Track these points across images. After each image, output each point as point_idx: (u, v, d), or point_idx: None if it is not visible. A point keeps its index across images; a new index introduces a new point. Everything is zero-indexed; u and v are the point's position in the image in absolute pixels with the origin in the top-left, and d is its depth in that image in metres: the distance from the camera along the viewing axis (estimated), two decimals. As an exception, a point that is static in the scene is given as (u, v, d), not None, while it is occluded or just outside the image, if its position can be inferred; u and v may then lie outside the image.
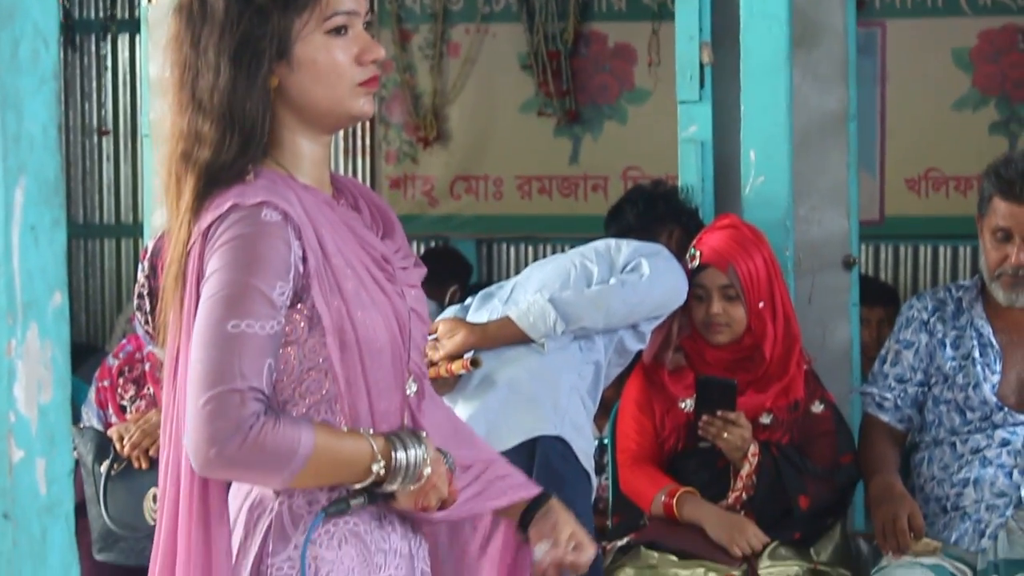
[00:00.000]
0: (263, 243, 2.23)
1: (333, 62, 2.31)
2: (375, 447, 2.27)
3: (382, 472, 2.27)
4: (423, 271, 2.49)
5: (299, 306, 2.27)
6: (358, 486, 2.30)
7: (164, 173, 2.36)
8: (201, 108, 2.29)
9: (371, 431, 2.30)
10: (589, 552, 2.50)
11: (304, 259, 2.25)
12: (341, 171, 9.16)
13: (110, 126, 8.82)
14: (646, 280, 3.80)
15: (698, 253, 4.00)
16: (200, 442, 2.17)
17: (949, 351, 4.05)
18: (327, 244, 2.29)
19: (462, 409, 3.80)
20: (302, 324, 2.28)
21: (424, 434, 2.34)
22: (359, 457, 2.27)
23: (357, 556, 2.35)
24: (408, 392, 2.40)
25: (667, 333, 4.03)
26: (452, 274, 7.25)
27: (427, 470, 2.30)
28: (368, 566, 2.36)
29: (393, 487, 2.29)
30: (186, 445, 2.22)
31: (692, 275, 4.00)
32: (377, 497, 2.32)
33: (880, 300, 5.93)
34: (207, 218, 2.27)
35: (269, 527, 2.34)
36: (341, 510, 2.31)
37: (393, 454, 2.28)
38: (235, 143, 2.28)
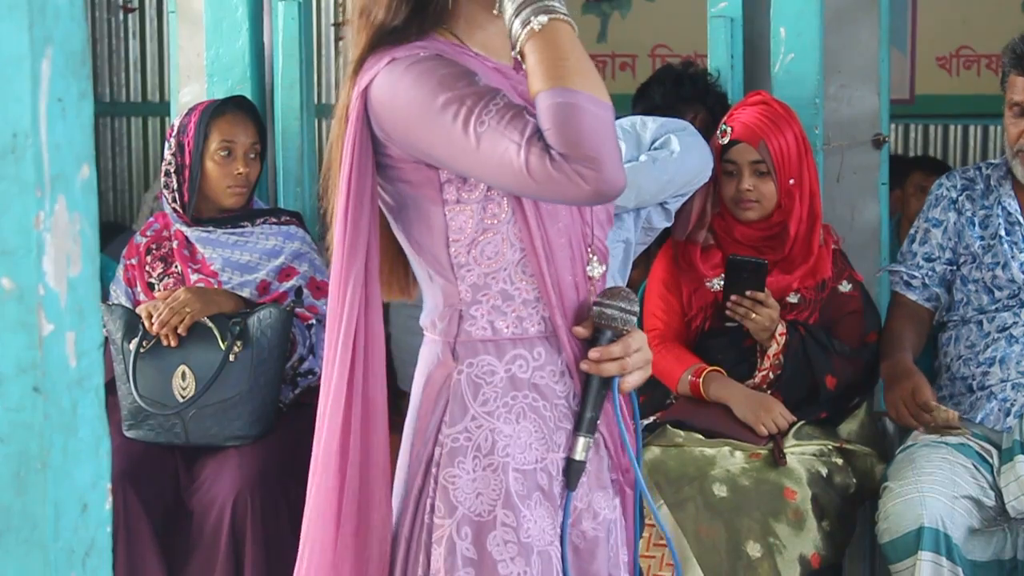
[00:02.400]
0: (440, 66, 2.23)
1: None
2: None
3: None
4: None
5: None
6: None
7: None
8: None
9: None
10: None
11: None
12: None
13: (135, 2, 8.77)
14: (676, 157, 3.76)
15: (729, 129, 3.97)
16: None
17: (977, 230, 4.03)
18: None
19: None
20: (474, 183, 2.28)
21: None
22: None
23: (535, 432, 2.35)
24: (591, 273, 2.38)
25: (701, 211, 4.01)
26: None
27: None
28: (547, 443, 2.36)
29: None
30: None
31: (723, 151, 3.97)
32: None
33: (937, 170, 5.89)
34: (365, 78, 2.28)
35: (448, 398, 2.35)
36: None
37: None
38: (405, 7, 2.29)
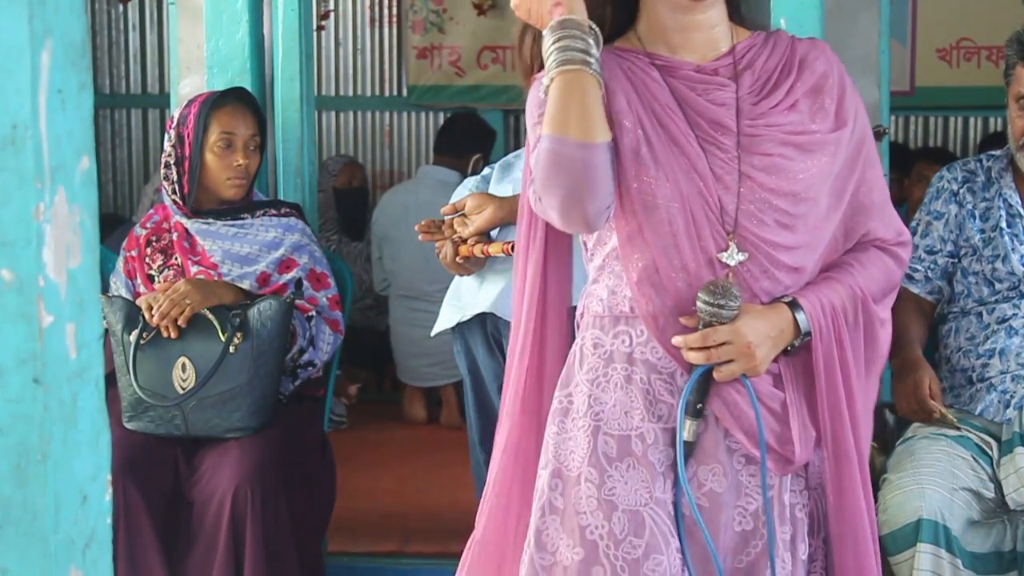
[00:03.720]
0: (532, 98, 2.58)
1: None
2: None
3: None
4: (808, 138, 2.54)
5: None
6: None
7: None
8: None
9: None
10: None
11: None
12: (367, 41, 9.13)
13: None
14: None
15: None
16: None
17: (978, 223, 4.03)
18: (612, 104, 2.47)
19: (493, 282, 3.81)
20: None
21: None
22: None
23: (632, 402, 2.53)
24: (726, 260, 2.48)
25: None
26: (476, 142, 7.21)
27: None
28: (644, 413, 2.53)
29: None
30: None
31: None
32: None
33: (941, 159, 5.90)
34: None
35: (566, 365, 2.59)
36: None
37: None
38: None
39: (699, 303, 2.45)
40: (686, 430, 2.48)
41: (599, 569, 2.49)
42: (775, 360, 2.53)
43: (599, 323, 2.58)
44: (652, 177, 2.46)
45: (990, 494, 3.71)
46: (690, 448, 2.50)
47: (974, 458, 3.73)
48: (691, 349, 2.47)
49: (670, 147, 2.47)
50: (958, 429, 3.80)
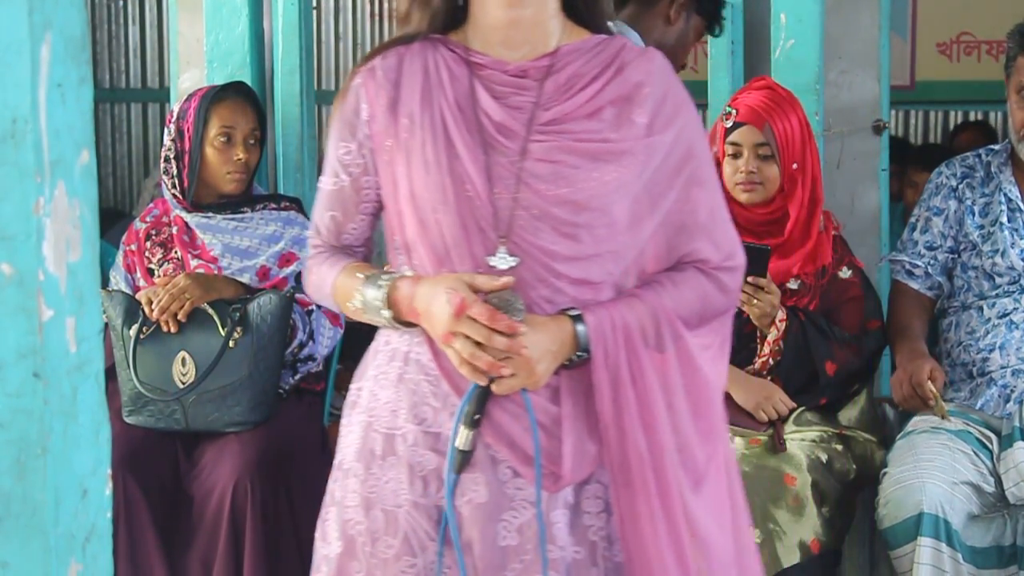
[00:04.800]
0: (338, 105, 2.56)
1: None
2: (359, 284, 2.49)
3: (359, 307, 2.50)
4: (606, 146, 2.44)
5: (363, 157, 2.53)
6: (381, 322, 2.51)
7: None
8: None
9: (393, 274, 2.48)
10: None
11: (369, 120, 2.49)
12: (366, 37, 9.13)
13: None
14: None
15: (734, 111, 3.97)
16: None
17: (977, 218, 4.03)
18: (401, 105, 2.47)
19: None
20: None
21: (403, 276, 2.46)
22: (348, 293, 2.52)
23: (400, 401, 2.49)
24: (494, 263, 2.39)
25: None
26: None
27: (385, 312, 2.44)
28: (409, 414, 2.48)
29: (374, 318, 2.49)
30: None
31: (727, 133, 3.97)
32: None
33: (932, 164, 5.90)
34: None
35: (366, 356, 2.61)
36: None
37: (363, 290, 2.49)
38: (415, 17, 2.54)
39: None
40: (461, 439, 2.39)
41: (356, 564, 2.48)
42: (556, 373, 2.42)
43: None
44: (422, 180, 2.42)
45: (990, 488, 3.71)
46: (467, 457, 2.40)
47: (975, 452, 3.73)
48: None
49: (446, 150, 2.42)
50: (947, 420, 3.79)
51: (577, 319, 2.39)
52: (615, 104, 2.44)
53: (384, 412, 2.50)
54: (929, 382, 3.81)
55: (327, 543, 2.54)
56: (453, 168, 2.41)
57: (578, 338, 2.39)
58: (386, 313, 2.44)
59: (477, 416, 2.39)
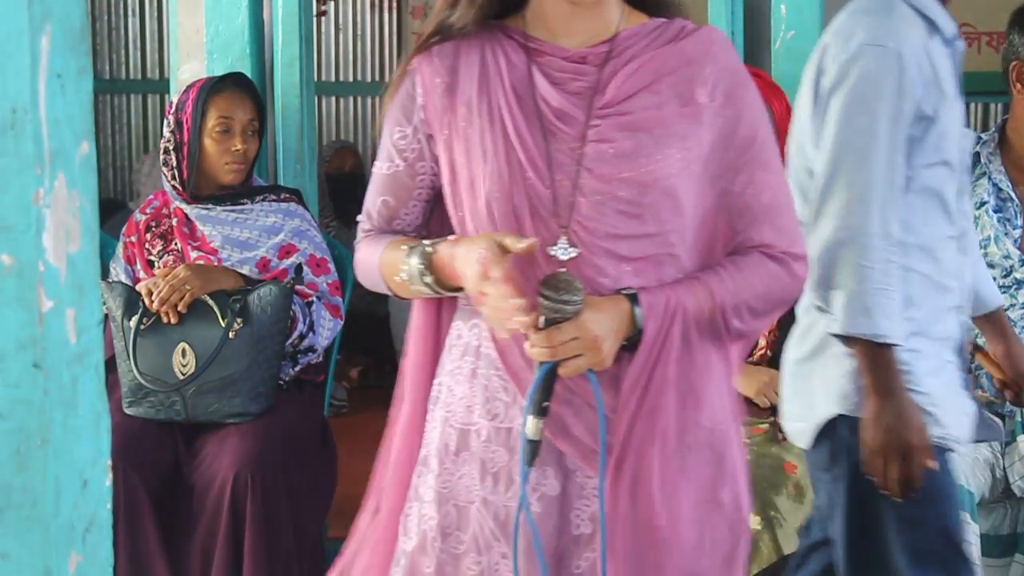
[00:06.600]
0: (391, 92, 2.54)
1: None
2: (404, 255, 2.45)
3: (405, 279, 2.45)
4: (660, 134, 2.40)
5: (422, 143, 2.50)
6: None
7: None
8: None
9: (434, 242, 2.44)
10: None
11: (424, 105, 2.47)
12: (368, 26, 9.12)
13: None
14: None
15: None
16: None
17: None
18: (459, 92, 2.45)
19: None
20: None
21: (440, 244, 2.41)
22: (394, 266, 2.47)
23: (475, 396, 2.47)
24: (554, 254, 2.36)
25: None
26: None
27: (428, 278, 2.41)
28: (482, 410, 2.46)
29: (419, 289, 2.46)
30: None
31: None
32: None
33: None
34: None
35: (444, 351, 2.57)
36: None
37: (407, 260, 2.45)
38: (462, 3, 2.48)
39: (540, 299, 2.30)
40: (532, 428, 2.33)
41: (425, 560, 2.46)
42: (616, 360, 2.37)
43: (461, 314, 2.51)
44: (480, 169, 2.39)
45: (1000, 474, 3.73)
46: (536, 447, 2.34)
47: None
48: (535, 346, 2.31)
49: (503, 138, 2.39)
50: None
51: (633, 299, 2.36)
52: (676, 85, 2.40)
53: (460, 408, 2.47)
54: None
55: (407, 537, 2.51)
56: (511, 156, 2.39)
57: (635, 317, 2.35)
58: (428, 279, 2.40)
59: (545, 404, 2.33)
